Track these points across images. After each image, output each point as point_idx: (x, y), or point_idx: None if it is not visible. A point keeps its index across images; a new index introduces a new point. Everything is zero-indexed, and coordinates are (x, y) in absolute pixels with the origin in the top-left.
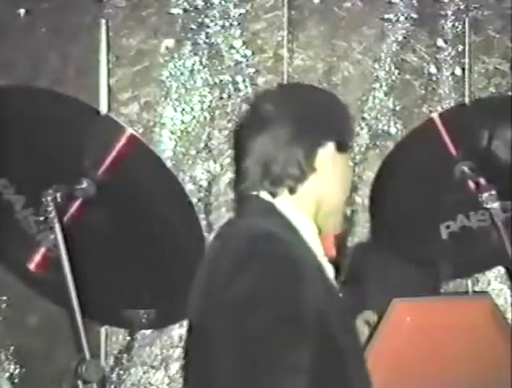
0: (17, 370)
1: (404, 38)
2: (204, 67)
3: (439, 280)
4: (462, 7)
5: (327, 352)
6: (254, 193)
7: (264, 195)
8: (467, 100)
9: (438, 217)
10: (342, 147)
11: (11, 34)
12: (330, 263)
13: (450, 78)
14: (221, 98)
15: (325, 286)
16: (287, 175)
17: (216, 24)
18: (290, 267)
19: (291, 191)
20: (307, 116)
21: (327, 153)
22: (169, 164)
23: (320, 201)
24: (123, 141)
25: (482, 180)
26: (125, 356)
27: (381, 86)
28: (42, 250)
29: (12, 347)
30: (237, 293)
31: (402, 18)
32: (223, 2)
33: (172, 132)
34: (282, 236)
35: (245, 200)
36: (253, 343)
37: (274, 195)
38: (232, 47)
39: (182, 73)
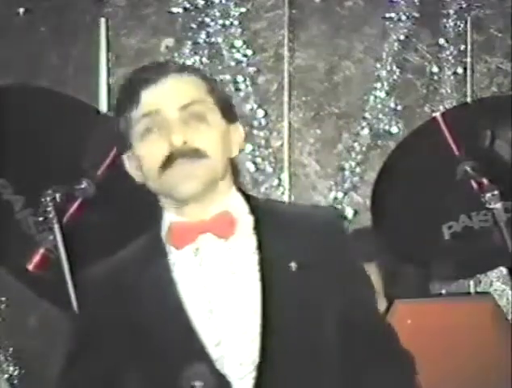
0: (16, 371)
1: (406, 37)
2: (205, 66)
3: (440, 280)
4: (464, 6)
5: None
6: None
7: None
8: (469, 100)
9: (441, 217)
10: (124, 149)
11: (11, 33)
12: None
13: (452, 78)
14: None
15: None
16: None
17: (216, 23)
18: None
19: None
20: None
21: (125, 161)
22: None
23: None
24: None
25: (485, 180)
26: None
27: (383, 85)
28: (41, 250)
29: (11, 349)
30: None
31: (404, 18)
32: (223, 1)
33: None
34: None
35: None
36: None
37: None
38: (232, 46)
39: None
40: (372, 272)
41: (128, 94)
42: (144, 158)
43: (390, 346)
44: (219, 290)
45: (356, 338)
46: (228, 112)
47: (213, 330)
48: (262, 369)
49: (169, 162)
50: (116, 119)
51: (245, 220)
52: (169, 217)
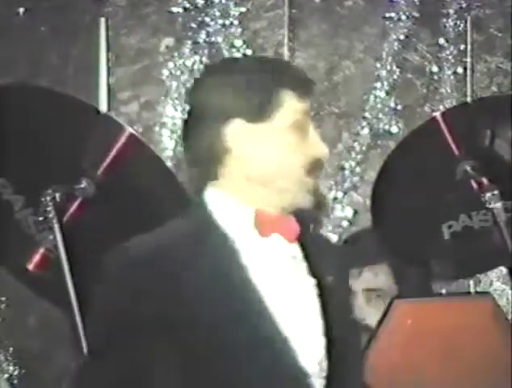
0: (16, 371)
1: (406, 37)
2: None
3: (440, 279)
4: (464, 6)
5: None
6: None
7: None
8: (469, 99)
9: (440, 216)
10: (256, 117)
11: (11, 33)
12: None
13: (452, 77)
14: None
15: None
16: (205, 161)
17: (216, 23)
18: None
19: (214, 177)
20: (204, 99)
21: (234, 129)
22: (169, 164)
23: (252, 180)
24: (122, 140)
25: (485, 180)
26: None
27: (383, 85)
28: (41, 250)
29: (11, 348)
30: None
31: (404, 17)
32: (223, 1)
33: (172, 132)
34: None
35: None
36: None
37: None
38: (232, 46)
39: (182, 73)
40: (384, 272)
41: (297, 80)
42: (293, 151)
43: None
44: (281, 290)
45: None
46: None
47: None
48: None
49: (313, 169)
50: (263, 84)
51: None
52: (250, 207)
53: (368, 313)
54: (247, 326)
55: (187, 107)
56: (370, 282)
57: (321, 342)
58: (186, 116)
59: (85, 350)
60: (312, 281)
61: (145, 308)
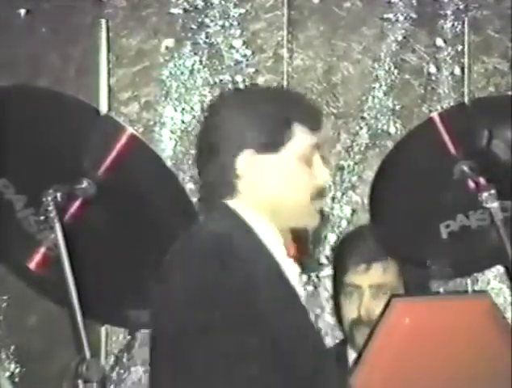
0: (17, 369)
1: (404, 38)
2: (204, 67)
3: (438, 278)
4: (461, 7)
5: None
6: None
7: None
8: (466, 100)
9: (438, 216)
10: (267, 148)
11: (12, 34)
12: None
13: (449, 78)
14: None
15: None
16: (218, 184)
17: (215, 24)
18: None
19: (229, 197)
20: (218, 132)
21: (245, 159)
22: (169, 164)
23: (262, 203)
24: (123, 140)
25: (482, 180)
26: (125, 355)
27: (381, 85)
28: (42, 249)
29: (12, 347)
30: None
31: (401, 18)
32: (223, 2)
33: (172, 132)
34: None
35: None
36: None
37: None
38: (232, 47)
39: (182, 73)
40: (392, 267)
41: (307, 114)
42: (297, 181)
43: None
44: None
45: None
46: None
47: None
48: None
49: (319, 195)
50: (276, 116)
51: None
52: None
53: (373, 309)
54: (293, 320)
55: (201, 136)
56: (377, 278)
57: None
58: (200, 142)
59: (86, 348)
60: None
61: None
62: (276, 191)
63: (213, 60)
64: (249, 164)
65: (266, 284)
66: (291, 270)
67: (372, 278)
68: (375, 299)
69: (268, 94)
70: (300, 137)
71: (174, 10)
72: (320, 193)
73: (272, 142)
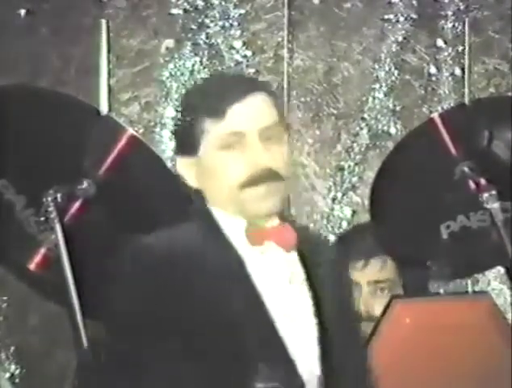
0: (17, 370)
1: (404, 38)
2: (204, 67)
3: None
4: (462, 8)
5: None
6: None
7: None
8: (467, 100)
9: (438, 217)
10: (184, 151)
11: (12, 34)
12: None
13: (450, 79)
14: None
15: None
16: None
17: (216, 25)
18: None
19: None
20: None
21: (178, 167)
22: (169, 164)
23: (216, 199)
24: (123, 141)
25: (482, 180)
26: None
27: (381, 86)
28: (42, 250)
29: (13, 347)
30: None
31: (402, 19)
32: (223, 3)
33: (172, 133)
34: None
35: None
36: None
37: None
38: (232, 47)
39: (182, 74)
40: (390, 264)
41: (211, 105)
42: (222, 172)
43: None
44: (278, 296)
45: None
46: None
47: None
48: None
49: (251, 182)
50: (184, 119)
51: None
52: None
53: (372, 305)
54: (248, 330)
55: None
56: (375, 274)
57: (316, 350)
58: None
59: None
60: (306, 290)
61: (161, 306)
62: (212, 190)
63: (213, 60)
64: (183, 169)
65: (219, 281)
66: (258, 263)
67: (370, 274)
68: (374, 295)
69: (184, 97)
70: (211, 129)
71: (174, 11)
72: (253, 180)
73: (188, 146)
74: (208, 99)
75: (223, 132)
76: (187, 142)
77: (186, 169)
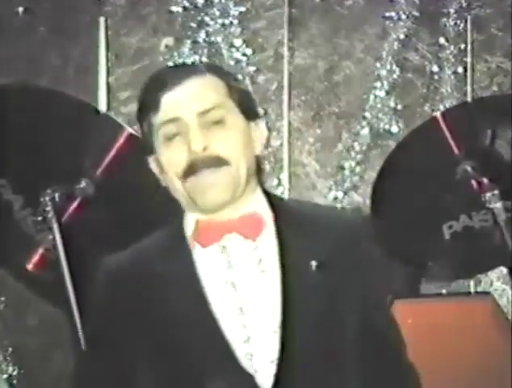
0: (15, 371)
1: (406, 36)
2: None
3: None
4: (464, 5)
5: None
6: None
7: None
8: (469, 99)
9: (441, 216)
10: (148, 150)
11: (10, 32)
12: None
13: (452, 77)
14: None
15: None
16: None
17: (215, 22)
18: None
19: None
20: None
21: (150, 162)
22: None
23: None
24: (122, 140)
25: (485, 180)
26: None
27: (383, 84)
28: (40, 250)
29: (10, 348)
30: None
31: (404, 17)
32: (223, 0)
33: None
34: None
35: None
36: None
37: None
38: (232, 45)
39: None
40: None
41: (147, 99)
42: (167, 164)
43: (401, 359)
44: (248, 288)
45: (372, 342)
46: (249, 110)
47: (242, 327)
48: (281, 367)
49: (191, 170)
50: (140, 123)
51: (270, 219)
52: (195, 216)
53: None
54: (195, 330)
55: None
56: None
57: (276, 340)
58: None
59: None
60: (278, 276)
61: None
62: (171, 186)
63: (213, 58)
64: (153, 169)
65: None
66: (215, 264)
67: None
68: None
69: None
70: (154, 123)
71: (173, 9)
72: (192, 167)
73: (146, 143)
74: (147, 93)
75: (160, 122)
76: (146, 140)
77: (154, 168)
